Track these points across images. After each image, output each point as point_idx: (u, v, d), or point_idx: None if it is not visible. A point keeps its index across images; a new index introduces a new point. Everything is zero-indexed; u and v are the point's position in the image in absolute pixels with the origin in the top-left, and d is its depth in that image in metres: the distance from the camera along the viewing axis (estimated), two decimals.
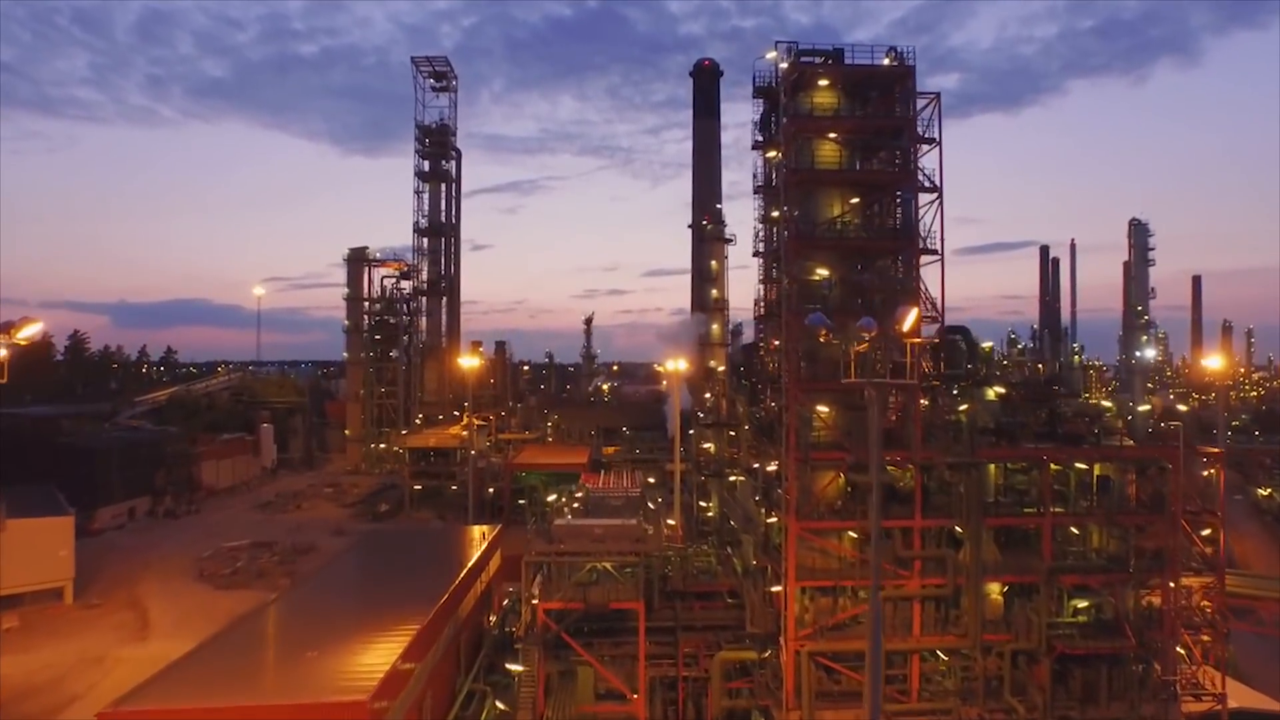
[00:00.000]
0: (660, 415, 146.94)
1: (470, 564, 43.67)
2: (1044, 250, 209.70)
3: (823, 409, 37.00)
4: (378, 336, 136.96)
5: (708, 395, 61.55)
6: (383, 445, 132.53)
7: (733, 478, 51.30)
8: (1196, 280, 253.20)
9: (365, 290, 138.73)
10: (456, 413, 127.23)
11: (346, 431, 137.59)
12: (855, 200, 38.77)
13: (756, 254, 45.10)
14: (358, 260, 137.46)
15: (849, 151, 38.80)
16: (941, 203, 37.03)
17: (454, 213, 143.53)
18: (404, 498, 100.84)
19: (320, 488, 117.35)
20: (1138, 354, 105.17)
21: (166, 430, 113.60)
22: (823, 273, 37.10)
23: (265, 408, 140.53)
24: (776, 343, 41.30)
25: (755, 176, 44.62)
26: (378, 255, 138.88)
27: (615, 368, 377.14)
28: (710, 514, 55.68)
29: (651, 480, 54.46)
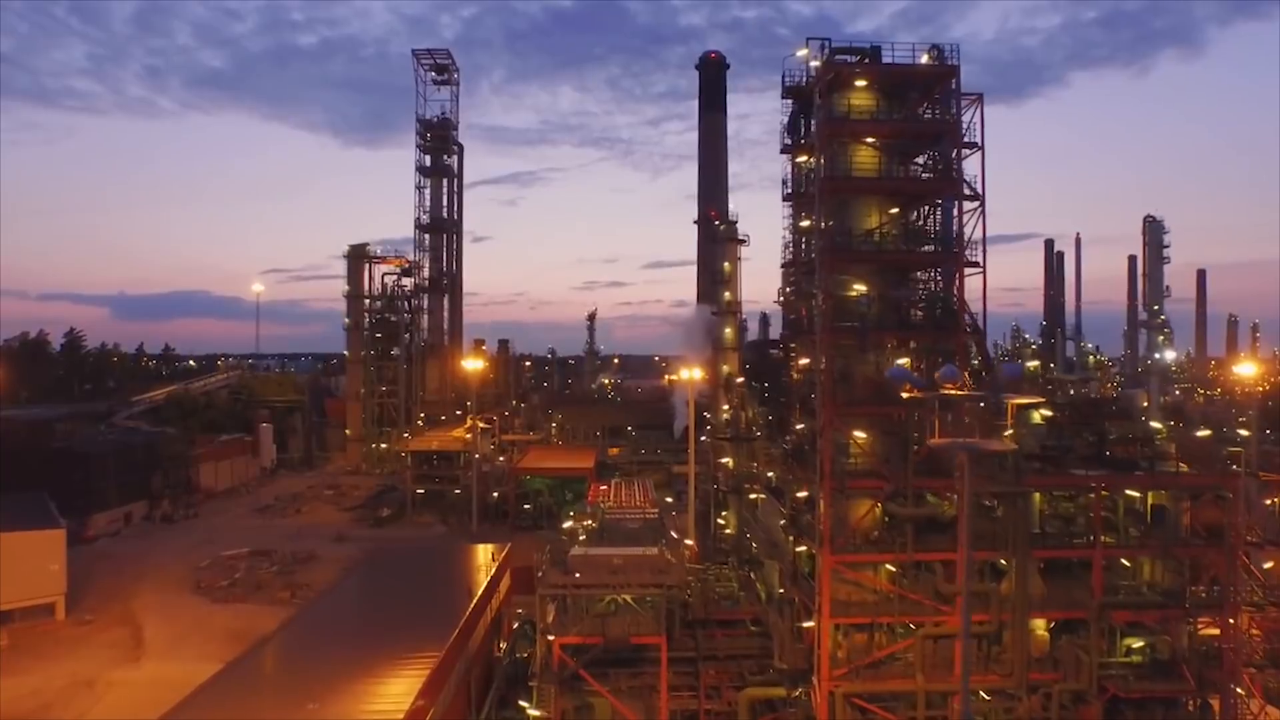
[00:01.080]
0: (665, 414, 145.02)
1: (481, 591, 41.39)
2: (1049, 244, 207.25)
3: (859, 434, 34.63)
4: (378, 334, 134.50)
5: (726, 408, 59.01)
6: (384, 445, 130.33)
7: (753, 495, 48.93)
8: (1201, 274, 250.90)
9: (366, 287, 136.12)
10: (459, 412, 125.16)
11: (347, 431, 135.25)
12: (894, 210, 36.27)
13: (785, 265, 42.57)
14: (358, 257, 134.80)
15: (886, 157, 36.30)
16: (984, 211, 34.63)
17: (456, 208, 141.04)
18: (406, 501, 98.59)
19: (320, 489, 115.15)
20: (1156, 355, 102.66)
21: (164, 432, 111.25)
22: (860, 288, 34.62)
23: (264, 406, 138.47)
24: (805, 360, 38.84)
25: (785, 183, 41.80)
26: (378, 251, 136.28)
27: (616, 361, 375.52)
28: (728, 530, 53.38)
29: (669, 500, 51.81)
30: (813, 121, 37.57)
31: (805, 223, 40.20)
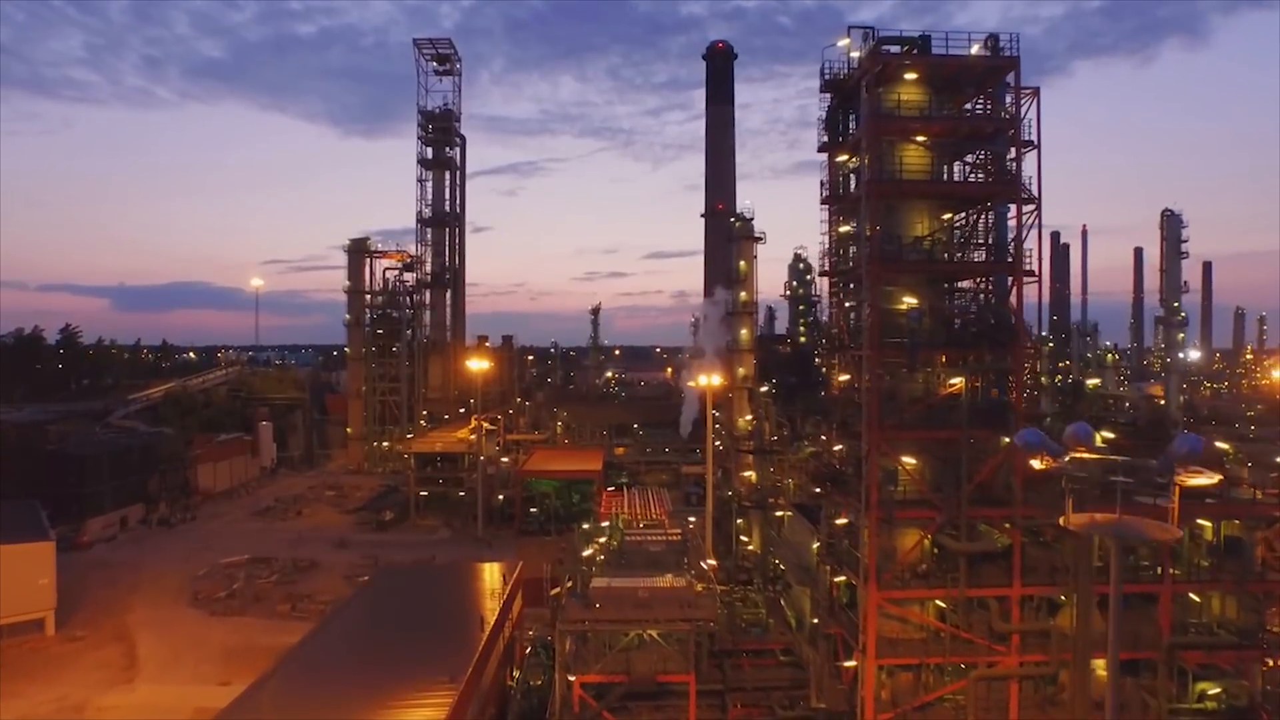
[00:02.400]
0: (671, 410, 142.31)
1: (494, 619, 38.73)
2: (1055, 236, 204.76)
3: (907, 460, 31.88)
4: (380, 331, 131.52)
5: (749, 418, 56.15)
6: (385, 444, 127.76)
7: (779, 513, 46.12)
8: (1207, 266, 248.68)
9: (367, 282, 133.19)
10: (462, 409, 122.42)
11: (349, 430, 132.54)
12: (947, 216, 33.38)
13: (824, 274, 39.41)
14: (358, 251, 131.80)
15: (935, 156, 33.37)
16: (1040, 215, 31.76)
17: (458, 201, 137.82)
18: (409, 504, 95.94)
19: (321, 490, 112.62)
20: (1179, 354, 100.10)
21: (161, 433, 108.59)
22: (910, 301, 31.78)
23: (264, 404, 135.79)
24: (845, 376, 35.89)
25: (822, 185, 38.65)
26: (379, 245, 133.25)
27: (618, 352, 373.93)
28: (751, 547, 50.65)
29: (691, 520, 48.81)
30: (855, 118, 34.62)
31: (845, 228, 37.13)
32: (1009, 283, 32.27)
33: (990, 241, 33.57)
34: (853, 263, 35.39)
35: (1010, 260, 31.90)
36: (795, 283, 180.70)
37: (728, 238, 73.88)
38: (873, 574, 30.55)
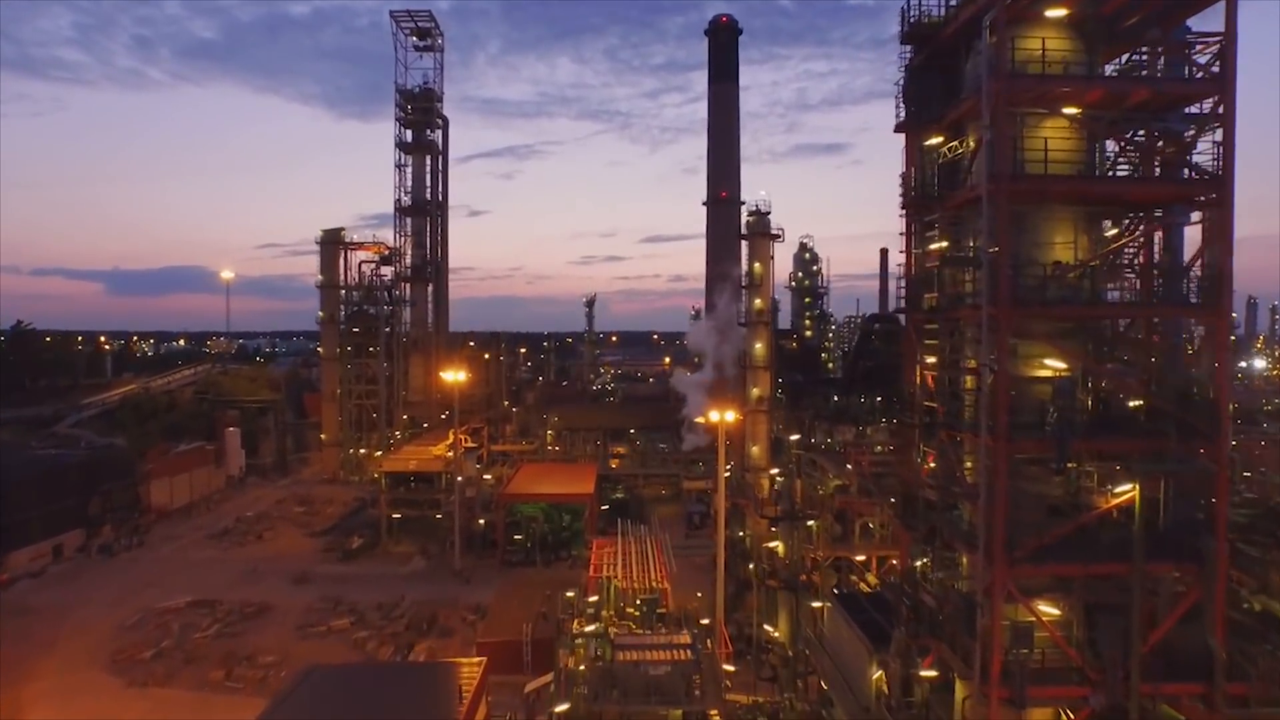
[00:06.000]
0: (670, 413, 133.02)
1: None
2: None
3: (1047, 608, 21.54)
4: (356, 329, 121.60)
5: (777, 474, 46.33)
6: (363, 451, 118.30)
7: (816, 603, 36.27)
8: None
9: (342, 276, 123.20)
10: (445, 415, 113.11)
11: (323, 436, 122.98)
12: (1111, 228, 22.96)
13: (902, 311, 29.05)
14: (332, 243, 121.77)
15: (1085, 138, 23.10)
16: (1232, 226, 21.64)
17: (440, 188, 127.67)
18: (380, 527, 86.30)
19: (290, 505, 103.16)
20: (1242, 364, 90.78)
21: (111, 445, 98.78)
22: (1055, 365, 21.35)
23: (234, 407, 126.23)
24: (932, 463, 25.45)
25: (902, 183, 28.45)
26: (354, 236, 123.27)
27: (615, 339, 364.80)
28: (776, 635, 40.96)
29: (700, 597, 39.20)
30: (948, 83, 24.33)
31: (939, 244, 26.62)
32: (1187, 330, 21.78)
33: (1156, 269, 23.18)
34: (951, 297, 24.24)
35: (1200, 299, 21.54)
36: (801, 273, 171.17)
37: (737, 233, 64.17)
38: None
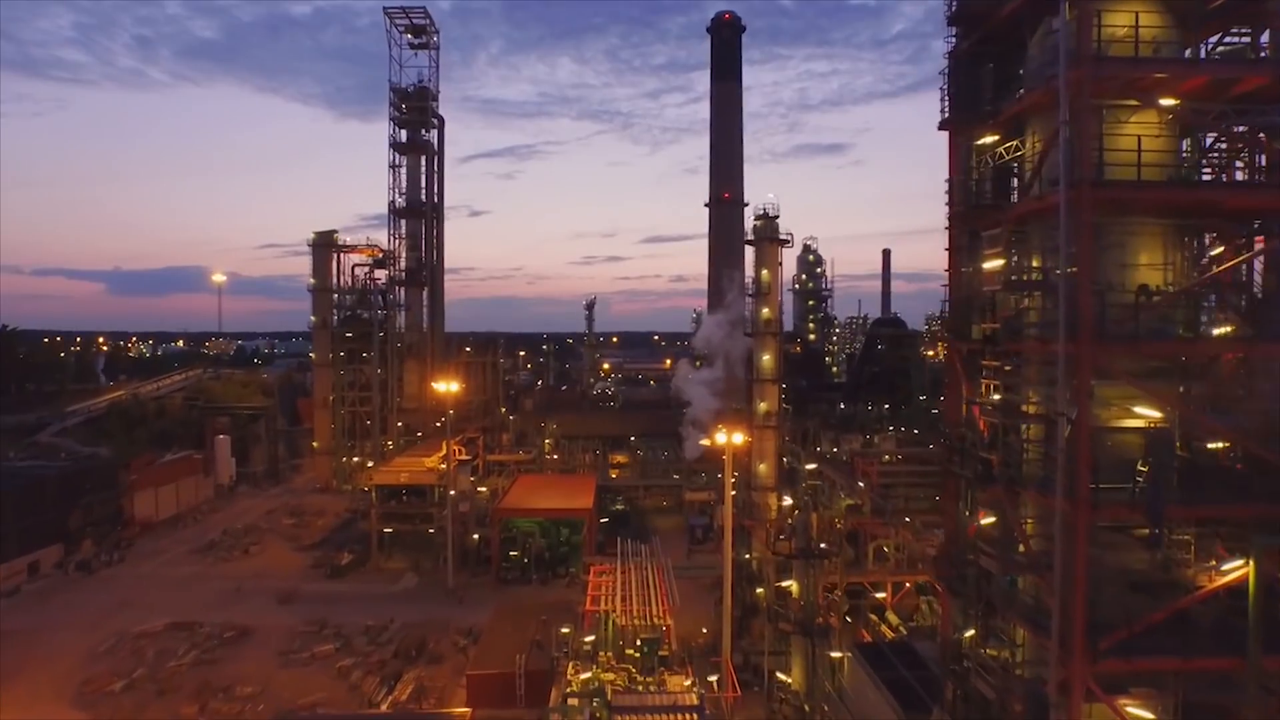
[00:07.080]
0: (671, 420, 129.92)
1: None
2: None
3: (1136, 710, 17.64)
4: (349, 334, 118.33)
5: (790, 503, 43.10)
6: (355, 459, 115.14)
7: (835, 653, 32.98)
8: None
9: (335, 280, 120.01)
10: (440, 422, 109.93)
11: (315, 444, 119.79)
12: (1216, 247, 19.34)
13: (941, 339, 25.59)
14: (324, 245, 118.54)
15: (1173, 136, 19.61)
16: None
17: (436, 190, 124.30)
18: (371, 542, 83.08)
19: (279, 517, 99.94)
20: None
21: (94, 455, 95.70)
22: (1148, 413, 17.71)
23: (225, 413, 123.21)
24: (990, 519, 21.69)
25: (949, 190, 24.42)
26: (349, 240, 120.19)
27: (615, 339, 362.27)
28: (790, 682, 37.59)
29: (704, 630, 35.94)
30: (1000, 71, 20.78)
31: (994, 263, 22.78)
32: None
33: (1243, 296, 19.77)
34: (1009, 325, 20.40)
35: None
36: (805, 275, 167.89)
37: (742, 238, 61.03)
38: None
